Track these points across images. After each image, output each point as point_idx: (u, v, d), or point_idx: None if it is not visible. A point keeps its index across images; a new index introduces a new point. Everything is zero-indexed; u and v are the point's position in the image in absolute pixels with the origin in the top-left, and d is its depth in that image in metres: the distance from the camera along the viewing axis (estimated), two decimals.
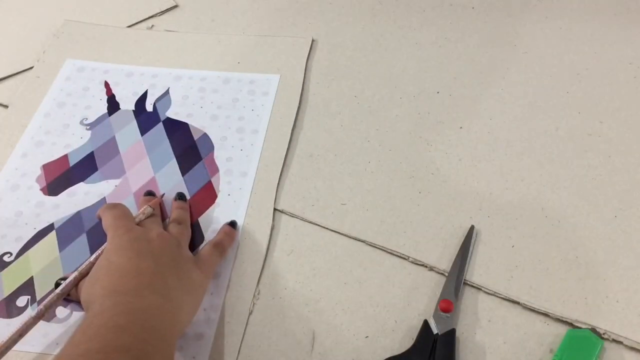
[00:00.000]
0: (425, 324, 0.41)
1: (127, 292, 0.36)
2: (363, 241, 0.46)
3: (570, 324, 0.41)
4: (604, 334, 0.40)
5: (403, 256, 0.45)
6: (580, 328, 0.40)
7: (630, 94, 0.54)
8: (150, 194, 0.48)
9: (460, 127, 0.53)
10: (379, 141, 0.53)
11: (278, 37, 0.61)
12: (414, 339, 0.40)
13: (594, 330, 0.40)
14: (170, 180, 0.50)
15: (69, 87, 0.58)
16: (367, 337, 0.42)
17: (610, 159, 0.50)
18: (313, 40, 0.61)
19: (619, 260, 0.44)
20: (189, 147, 0.53)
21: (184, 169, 0.51)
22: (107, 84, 0.57)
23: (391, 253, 0.46)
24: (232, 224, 0.46)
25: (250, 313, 0.43)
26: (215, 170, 0.51)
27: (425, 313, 0.42)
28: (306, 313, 0.43)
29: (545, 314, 0.42)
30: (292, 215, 0.48)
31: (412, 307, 0.43)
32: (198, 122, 0.54)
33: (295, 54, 0.60)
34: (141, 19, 0.64)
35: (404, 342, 0.41)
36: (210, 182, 0.50)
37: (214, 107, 0.56)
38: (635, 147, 0.50)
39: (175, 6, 0.66)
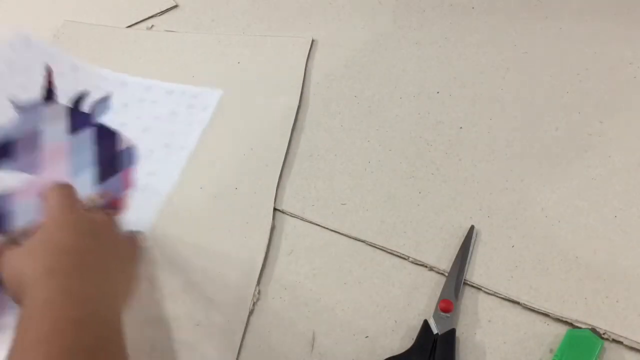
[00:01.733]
0: (425, 324, 0.41)
1: (70, 274, 0.35)
2: (363, 241, 0.46)
3: (570, 324, 0.41)
4: (604, 334, 0.40)
5: (403, 256, 0.45)
6: (580, 328, 0.40)
7: (630, 94, 0.54)
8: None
9: (460, 127, 0.53)
10: (379, 141, 0.53)
11: (278, 37, 0.62)
12: (414, 339, 0.40)
13: (594, 330, 0.40)
14: (84, 188, 0.49)
15: (11, 56, 0.52)
16: (367, 337, 0.42)
17: (610, 159, 0.50)
18: (313, 40, 0.61)
19: (619, 260, 0.44)
20: (111, 157, 0.51)
21: (101, 178, 0.50)
22: (49, 71, 0.53)
23: (391, 253, 0.46)
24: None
25: (250, 313, 0.43)
26: (129, 185, 0.50)
27: (425, 313, 0.42)
28: (306, 313, 0.43)
29: (545, 314, 0.42)
30: (292, 215, 0.48)
31: (412, 307, 0.43)
32: (130, 133, 0.53)
33: (295, 54, 0.60)
34: (141, 19, 0.65)
35: (404, 342, 0.41)
36: (120, 198, 0.49)
37: (150, 118, 0.55)
38: (635, 147, 0.50)
39: (175, 6, 0.66)
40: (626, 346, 0.40)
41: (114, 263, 0.39)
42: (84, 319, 0.33)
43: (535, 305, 0.42)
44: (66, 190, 0.42)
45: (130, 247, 0.44)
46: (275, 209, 0.48)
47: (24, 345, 0.31)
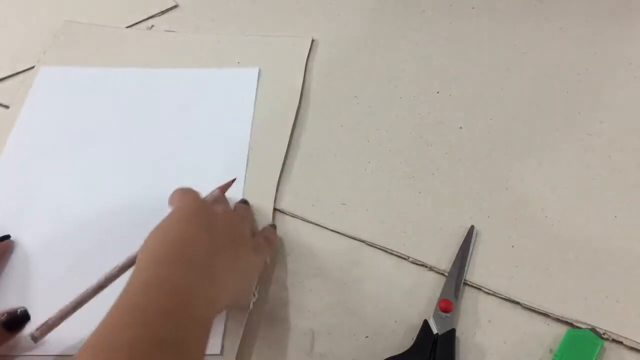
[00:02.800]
0: (425, 324, 0.41)
1: (175, 263, 0.34)
2: (363, 241, 0.46)
3: (570, 324, 0.41)
4: (604, 334, 0.40)
5: (403, 256, 0.45)
6: (580, 328, 0.40)
7: (630, 94, 0.54)
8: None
9: (460, 127, 0.53)
10: (379, 141, 0.53)
11: (278, 37, 0.61)
12: (414, 339, 0.40)
13: (594, 330, 0.40)
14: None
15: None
16: (367, 337, 0.42)
17: (610, 159, 0.50)
18: (313, 40, 0.61)
19: (619, 260, 0.44)
20: None
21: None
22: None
23: (391, 253, 0.46)
24: (273, 225, 0.47)
25: (250, 313, 0.43)
26: None
27: (425, 313, 0.42)
28: (306, 313, 0.43)
29: (545, 314, 0.42)
30: (292, 215, 0.48)
31: (412, 307, 0.43)
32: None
33: (295, 54, 0.60)
34: (141, 19, 0.64)
35: (404, 342, 0.41)
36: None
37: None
38: (635, 147, 0.50)
39: (175, 6, 0.66)
40: (626, 346, 0.40)
41: (227, 261, 0.37)
42: (174, 309, 0.31)
43: (535, 305, 0.42)
44: (187, 188, 0.41)
45: (257, 247, 0.42)
46: (275, 209, 0.48)
47: (112, 325, 0.31)
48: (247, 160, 0.51)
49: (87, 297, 0.37)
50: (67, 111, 0.55)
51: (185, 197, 0.40)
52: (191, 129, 0.54)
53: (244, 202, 0.48)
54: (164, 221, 0.37)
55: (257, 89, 0.56)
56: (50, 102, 0.56)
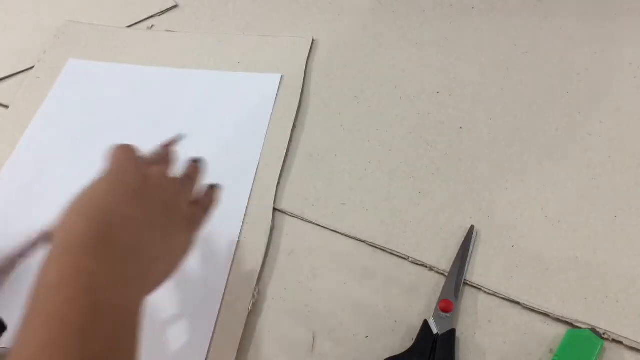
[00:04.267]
0: (425, 324, 0.41)
1: (94, 251, 0.29)
2: (363, 241, 0.46)
3: (570, 324, 0.41)
4: (604, 334, 0.40)
5: (403, 256, 0.45)
6: (580, 328, 0.40)
7: (630, 94, 0.54)
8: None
9: (460, 127, 0.53)
10: (379, 141, 0.53)
11: (278, 37, 0.61)
12: (414, 339, 0.40)
13: (594, 330, 0.40)
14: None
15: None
16: (367, 337, 0.42)
17: (610, 159, 0.50)
18: (313, 40, 0.61)
19: (619, 260, 0.44)
20: None
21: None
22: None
23: (391, 253, 0.46)
24: (213, 186, 0.42)
25: (250, 313, 0.43)
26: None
27: (425, 313, 0.42)
28: (306, 313, 0.43)
29: (545, 314, 0.42)
30: (292, 215, 0.48)
31: (412, 307, 0.43)
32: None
33: (295, 54, 0.60)
34: (141, 19, 0.65)
35: (404, 342, 0.41)
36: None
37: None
38: (635, 147, 0.50)
39: (175, 6, 0.66)
40: (626, 346, 0.40)
41: (157, 237, 0.33)
42: (95, 323, 0.27)
43: (535, 305, 0.42)
44: (126, 148, 0.36)
45: (191, 220, 0.37)
46: (275, 209, 0.48)
47: (31, 346, 0.27)
48: (258, 163, 0.51)
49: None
50: (87, 105, 0.56)
51: (119, 155, 0.35)
52: (206, 130, 0.54)
53: (195, 160, 0.42)
54: (88, 188, 0.32)
55: (277, 95, 0.56)
56: (73, 94, 0.57)
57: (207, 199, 0.41)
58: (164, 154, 0.40)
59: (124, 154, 0.36)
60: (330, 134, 0.53)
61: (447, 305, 0.41)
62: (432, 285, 0.44)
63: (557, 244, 0.45)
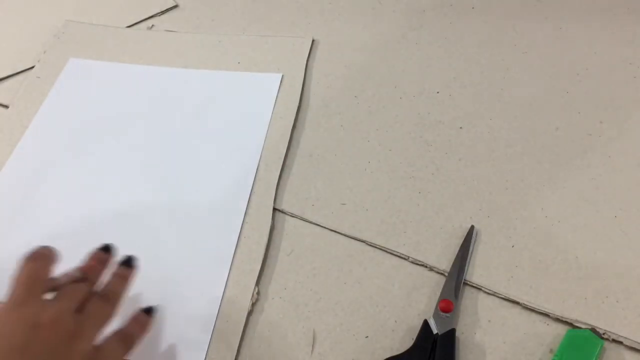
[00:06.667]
0: (425, 324, 0.41)
1: None
2: (363, 241, 0.46)
3: (570, 324, 0.41)
4: (604, 334, 0.40)
5: (403, 256, 0.45)
6: (580, 328, 0.40)
7: (630, 94, 0.54)
8: (106, 249, 0.38)
9: (460, 127, 0.53)
10: (379, 141, 0.53)
11: (278, 37, 0.62)
12: (414, 339, 0.40)
13: (594, 330, 0.40)
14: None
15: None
16: (367, 337, 0.42)
17: (610, 159, 0.50)
18: (313, 40, 0.61)
19: (619, 260, 0.44)
20: None
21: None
22: None
23: (391, 253, 0.46)
24: (148, 311, 0.38)
25: (250, 313, 0.43)
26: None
27: (425, 313, 0.42)
28: (306, 313, 0.43)
29: (545, 314, 0.42)
30: (292, 215, 0.48)
31: (412, 307, 0.43)
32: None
33: (295, 54, 0.60)
34: (141, 19, 0.65)
35: (404, 342, 0.41)
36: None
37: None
38: (635, 147, 0.50)
39: (175, 6, 0.66)
40: (626, 346, 0.40)
41: None
42: None
43: (535, 305, 0.42)
44: (33, 270, 0.34)
45: (107, 346, 0.34)
46: (275, 209, 0.48)
47: None
48: (259, 163, 0.51)
49: None
50: (87, 105, 0.56)
51: (18, 292, 0.33)
52: (207, 130, 0.54)
53: (128, 262, 0.38)
54: None
55: (277, 95, 0.56)
56: (73, 94, 0.57)
57: (133, 327, 0.36)
58: (80, 276, 0.36)
59: (27, 283, 0.33)
60: (330, 134, 0.53)
61: (447, 305, 0.41)
62: (432, 285, 0.44)
63: (557, 244, 0.45)
